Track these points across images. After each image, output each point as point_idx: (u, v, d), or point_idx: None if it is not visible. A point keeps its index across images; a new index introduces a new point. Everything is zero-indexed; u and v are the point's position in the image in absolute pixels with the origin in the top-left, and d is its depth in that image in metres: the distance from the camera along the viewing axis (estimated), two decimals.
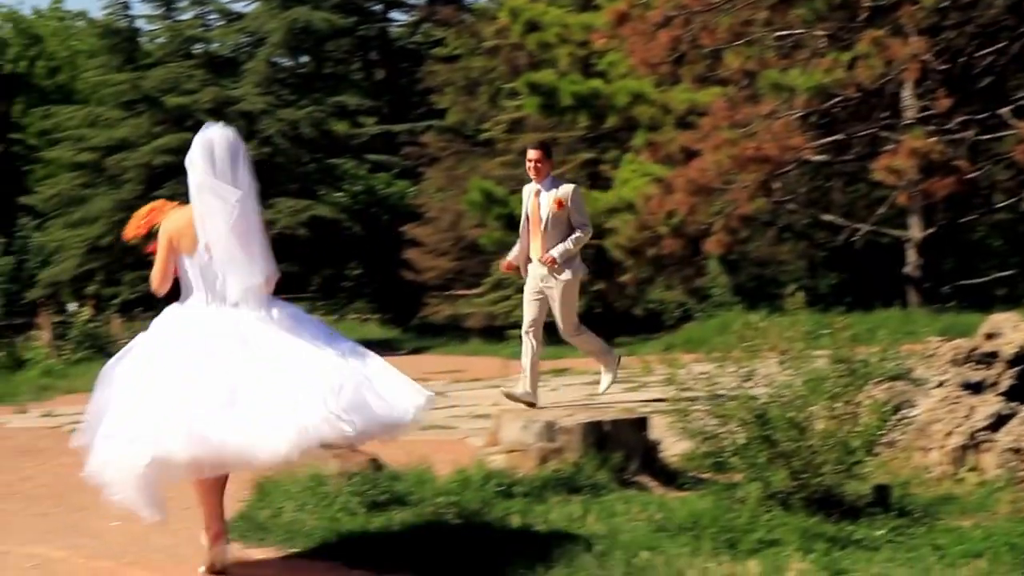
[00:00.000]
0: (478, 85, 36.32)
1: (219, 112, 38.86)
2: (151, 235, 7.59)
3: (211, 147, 7.25)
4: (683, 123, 24.20)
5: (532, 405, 12.08)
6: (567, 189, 12.55)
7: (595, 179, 30.84)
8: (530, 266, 12.62)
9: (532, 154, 12.62)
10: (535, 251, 12.54)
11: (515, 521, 7.76)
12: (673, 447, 8.98)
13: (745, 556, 6.99)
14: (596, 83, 25.07)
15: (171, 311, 7.36)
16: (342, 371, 7.00)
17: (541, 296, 12.53)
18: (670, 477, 9.04)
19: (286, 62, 44.57)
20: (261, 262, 7.26)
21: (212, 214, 7.21)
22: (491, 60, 35.26)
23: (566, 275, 12.42)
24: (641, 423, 9.28)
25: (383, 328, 41.38)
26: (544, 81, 25.04)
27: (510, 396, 12.28)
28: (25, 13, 68.50)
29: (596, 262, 31.13)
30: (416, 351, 32.38)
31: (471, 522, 7.74)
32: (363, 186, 41.62)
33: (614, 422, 9.10)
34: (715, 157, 22.25)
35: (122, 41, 42.49)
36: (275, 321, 7.19)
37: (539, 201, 12.51)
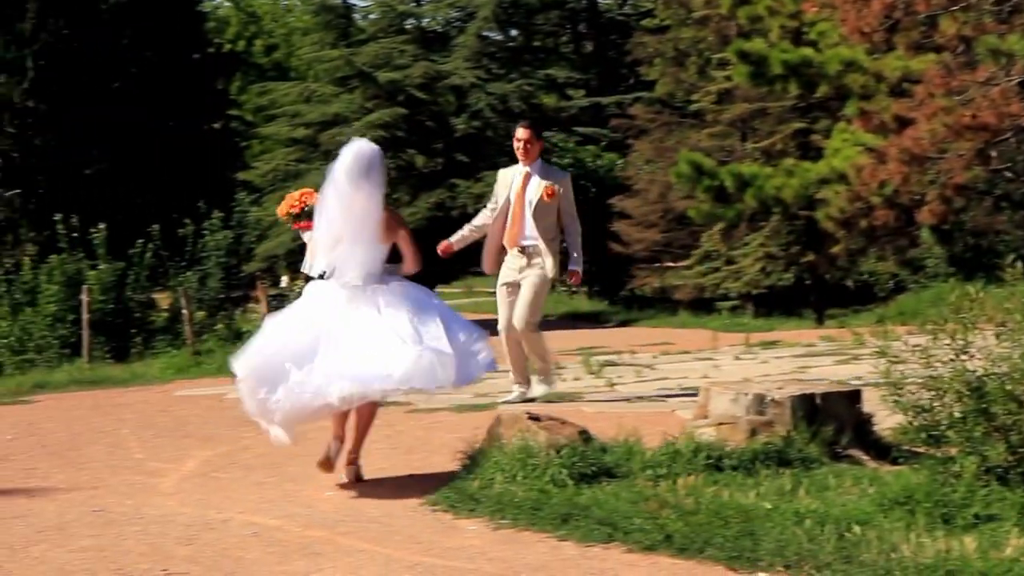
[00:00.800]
0: (687, 56, 36.11)
1: (430, 87, 39.30)
2: (300, 215, 9.21)
3: (346, 159, 8.74)
4: (896, 91, 23.74)
5: (532, 400, 11.44)
6: (563, 179, 11.81)
7: (806, 149, 30.52)
8: (507, 256, 11.63)
9: (522, 133, 11.81)
10: (511, 238, 11.57)
11: (724, 495, 7.72)
12: (886, 420, 8.82)
13: (961, 531, 6.86)
14: (807, 51, 24.74)
15: (313, 285, 9.01)
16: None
17: (518, 291, 11.54)
18: (883, 451, 8.90)
19: (496, 36, 44.79)
20: (372, 252, 8.80)
21: (335, 215, 8.78)
22: (700, 30, 35.04)
23: (549, 269, 11.47)
24: (854, 396, 9.15)
25: (591, 300, 41.49)
26: (754, 50, 24.75)
27: (508, 404, 11.30)
28: None
29: (806, 233, 30.87)
30: (624, 323, 32.45)
31: (679, 495, 7.71)
32: (571, 159, 41.68)
33: (825, 395, 8.99)
34: (930, 125, 21.77)
35: (336, 18, 43.20)
36: (373, 299, 8.72)
37: (527, 185, 11.67)
